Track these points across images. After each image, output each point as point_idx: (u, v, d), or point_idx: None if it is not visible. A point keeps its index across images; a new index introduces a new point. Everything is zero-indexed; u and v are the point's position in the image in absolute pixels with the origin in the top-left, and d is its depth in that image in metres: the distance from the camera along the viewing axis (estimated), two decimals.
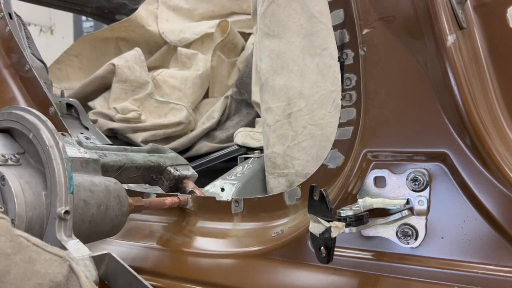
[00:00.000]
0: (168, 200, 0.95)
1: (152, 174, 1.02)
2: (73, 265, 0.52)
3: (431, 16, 0.64)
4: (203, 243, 0.90)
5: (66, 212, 0.64)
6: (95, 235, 0.74)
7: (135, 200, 0.86)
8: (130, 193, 1.06)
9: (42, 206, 0.66)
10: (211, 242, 0.90)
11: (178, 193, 0.99)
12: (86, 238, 0.72)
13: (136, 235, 0.99)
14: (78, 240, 0.64)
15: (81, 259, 0.59)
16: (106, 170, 0.89)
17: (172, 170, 1.03)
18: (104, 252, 0.63)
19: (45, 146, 0.66)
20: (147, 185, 1.14)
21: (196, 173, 1.08)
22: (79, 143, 0.82)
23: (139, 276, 0.62)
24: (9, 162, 0.68)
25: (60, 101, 1.36)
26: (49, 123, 0.68)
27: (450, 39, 0.64)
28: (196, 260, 0.87)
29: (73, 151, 0.76)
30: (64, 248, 0.62)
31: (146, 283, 0.62)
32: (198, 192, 1.02)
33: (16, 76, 1.24)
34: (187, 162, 1.10)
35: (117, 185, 0.80)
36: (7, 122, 0.71)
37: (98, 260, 0.61)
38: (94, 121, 1.56)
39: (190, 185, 1.03)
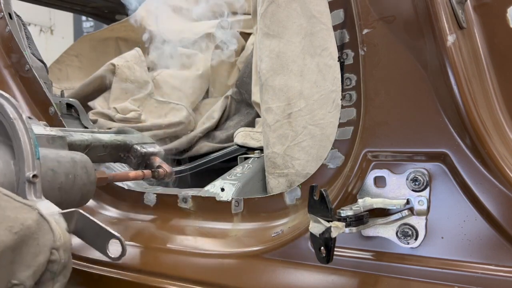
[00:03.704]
0: (132, 173, 0.99)
1: (120, 152, 1.06)
2: (42, 212, 0.57)
3: (431, 16, 0.64)
4: (203, 243, 0.90)
5: (34, 176, 0.69)
6: (66, 203, 0.78)
7: (98, 173, 0.90)
8: (130, 193, 1.07)
9: (12, 173, 0.71)
10: (211, 242, 0.90)
11: (157, 169, 1.02)
12: (57, 205, 0.75)
13: (136, 235, 0.99)
14: (48, 201, 0.68)
15: (50, 214, 0.62)
16: (74, 149, 0.92)
17: (139, 148, 1.06)
18: (73, 209, 0.67)
19: (10, 119, 0.71)
20: (146, 184, 1.15)
21: (162, 150, 1.11)
22: (45, 125, 0.87)
23: (106, 227, 0.66)
24: None
25: (60, 101, 1.36)
26: (12, 99, 0.73)
27: (450, 39, 0.64)
28: (196, 260, 0.87)
29: (39, 129, 0.81)
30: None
31: (113, 231, 0.65)
32: (165, 166, 1.04)
33: (16, 76, 1.24)
34: (153, 141, 1.13)
35: (83, 157, 0.84)
36: None
37: (67, 217, 0.65)
38: (94, 121, 1.56)
39: (157, 161, 1.06)
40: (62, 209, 0.70)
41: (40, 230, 0.56)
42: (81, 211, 0.67)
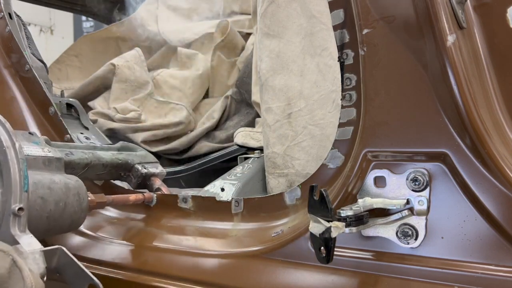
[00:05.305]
0: (133, 196, 0.97)
1: (120, 171, 1.05)
2: (16, 259, 0.55)
3: (431, 16, 0.64)
4: (203, 243, 0.90)
5: (20, 209, 0.67)
6: (53, 230, 0.78)
7: (97, 197, 0.89)
8: (130, 193, 1.06)
9: None
10: (211, 242, 0.90)
11: (156, 192, 1.01)
12: (44, 233, 0.75)
13: (136, 235, 0.99)
14: (31, 235, 0.67)
15: (31, 253, 0.62)
16: (73, 167, 0.91)
17: (140, 168, 1.05)
18: (56, 246, 0.66)
19: (2, 146, 0.69)
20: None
21: (164, 171, 1.10)
22: (47, 142, 0.85)
23: (86, 270, 0.66)
24: None
25: (60, 101, 1.36)
26: (8, 125, 0.71)
27: (450, 39, 0.64)
28: (196, 260, 0.87)
29: (37, 150, 0.80)
30: (17, 242, 0.65)
31: (91, 274, 0.66)
32: (165, 189, 1.04)
33: (16, 76, 1.24)
34: (156, 160, 1.12)
35: (77, 182, 0.83)
36: None
37: (49, 254, 0.65)
38: (94, 121, 1.56)
39: (157, 182, 1.06)
40: (49, 235, 0.70)
41: (11, 279, 0.54)
42: (64, 249, 0.66)
